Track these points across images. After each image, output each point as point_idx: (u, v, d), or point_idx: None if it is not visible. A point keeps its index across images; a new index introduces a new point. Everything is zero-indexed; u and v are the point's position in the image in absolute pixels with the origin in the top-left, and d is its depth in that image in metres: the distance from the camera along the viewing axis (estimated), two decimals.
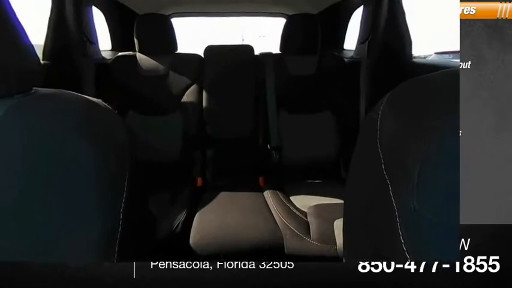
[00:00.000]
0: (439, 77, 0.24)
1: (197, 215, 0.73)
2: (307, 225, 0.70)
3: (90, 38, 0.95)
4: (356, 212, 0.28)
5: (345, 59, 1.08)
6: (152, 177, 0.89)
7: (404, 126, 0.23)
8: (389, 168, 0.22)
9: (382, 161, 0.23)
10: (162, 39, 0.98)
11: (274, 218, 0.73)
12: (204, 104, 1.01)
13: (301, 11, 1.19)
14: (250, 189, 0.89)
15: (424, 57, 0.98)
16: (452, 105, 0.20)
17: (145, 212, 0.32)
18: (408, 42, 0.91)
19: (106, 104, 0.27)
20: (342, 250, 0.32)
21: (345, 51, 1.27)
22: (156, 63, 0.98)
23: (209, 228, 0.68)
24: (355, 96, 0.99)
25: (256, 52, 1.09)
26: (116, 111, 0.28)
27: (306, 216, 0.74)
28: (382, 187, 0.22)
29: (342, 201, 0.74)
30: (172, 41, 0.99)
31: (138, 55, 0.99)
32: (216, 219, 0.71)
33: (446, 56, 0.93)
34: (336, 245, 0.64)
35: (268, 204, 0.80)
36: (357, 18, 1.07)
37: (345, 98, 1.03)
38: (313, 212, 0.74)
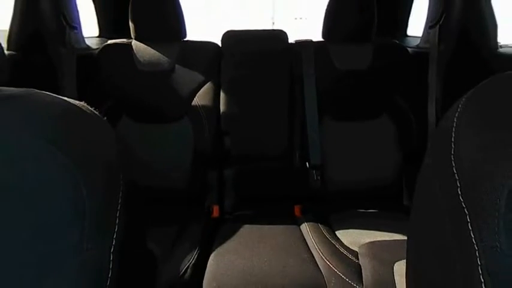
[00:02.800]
0: None
1: (212, 255, 0.77)
2: (358, 269, 0.74)
3: (71, 22, 1.00)
4: (423, 252, 0.29)
5: (409, 49, 1.13)
6: (153, 207, 0.92)
7: (489, 138, 0.23)
8: (468, 193, 0.23)
9: (459, 184, 0.23)
10: (166, 23, 1.04)
11: (315, 260, 0.77)
12: (222, 108, 1.06)
13: None
14: (283, 222, 0.94)
15: None
16: None
17: (143, 252, 0.33)
18: (492, 26, 0.98)
19: (91, 109, 0.28)
20: None
21: (408, 38, 1.33)
22: (158, 54, 1.05)
23: (229, 274, 0.71)
24: (423, 97, 1.05)
25: (291, 39, 1.15)
26: (105, 118, 0.29)
27: (357, 257, 0.78)
28: (457, 219, 0.23)
29: (404, 238, 0.79)
30: (179, 25, 1.05)
31: (135, 44, 1.05)
32: (237, 262, 0.75)
33: None
34: None
35: (307, 241, 0.85)
36: None
37: (408, 100, 1.09)
38: (366, 251, 0.78)
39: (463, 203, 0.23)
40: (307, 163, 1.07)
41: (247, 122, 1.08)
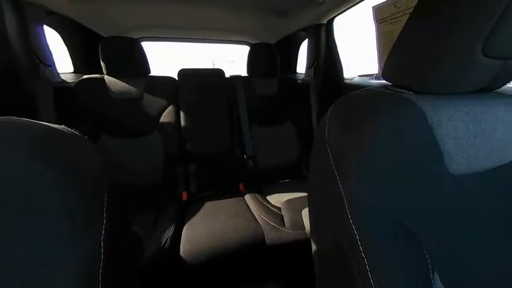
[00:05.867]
0: (363, 93, 0.30)
1: (185, 227, 0.76)
2: (281, 218, 0.80)
3: (43, 60, 0.88)
4: (316, 200, 0.32)
5: (298, 81, 1.26)
6: (137, 198, 0.89)
7: (343, 131, 0.27)
8: (336, 163, 0.26)
9: (331, 158, 0.27)
10: (133, 63, 0.99)
11: (255, 217, 0.81)
12: (183, 123, 1.06)
13: (262, 40, 1.35)
14: (232, 196, 0.98)
15: (351, 79, 1.17)
16: (374, 114, 0.25)
17: (129, 235, 0.31)
18: (341, 68, 1.17)
19: (72, 130, 0.25)
20: (310, 233, 0.37)
21: (297, 74, 1.49)
22: (128, 86, 0.99)
23: (198, 237, 0.71)
24: (308, 109, 1.22)
25: (227, 75, 1.19)
26: (86, 137, 0.26)
27: (280, 210, 0.84)
28: (332, 178, 0.26)
29: (306, 194, 0.90)
30: (143, 64, 1.01)
31: (107, 78, 0.98)
32: (204, 228, 0.74)
33: (366, 78, 1.16)
34: (304, 229, 0.75)
35: (249, 206, 0.89)
36: (304, 48, 1.28)
37: (301, 112, 1.21)
38: (285, 206, 0.86)
39: (334, 169, 0.26)
40: (244, 155, 1.13)
41: (201, 131, 1.08)
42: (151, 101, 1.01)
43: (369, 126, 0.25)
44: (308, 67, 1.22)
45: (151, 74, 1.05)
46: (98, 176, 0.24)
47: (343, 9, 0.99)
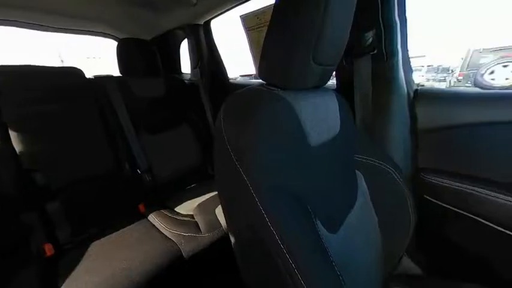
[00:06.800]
0: (246, 92, 0.33)
1: None
2: (196, 225, 0.78)
3: None
4: (226, 195, 0.34)
5: (186, 81, 1.22)
6: None
7: (237, 129, 0.29)
8: (237, 157, 0.28)
9: (232, 154, 0.29)
10: None
11: (166, 235, 0.74)
12: (19, 148, 0.74)
13: (133, 35, 1.16)
14: (131, 222, 0.83)
15: (235, 79, 1.27)
16: (256, 113, 0.30)
17: None
18: (224, 69, 1.25)
19: None
20: (227, 228, 0.38)
21: (183, 74, 1.44)
22: None
23: None
24: (202, 109, 1.22)
25: (89, 75, 0.95)
26: None
27: (194, 217, 0.81)
28: (236, 172, 0.28)
29: (216, 193, 0.87)
30: None
31: None
32: (94, 278, 0.59)
33: (247, 77, 1.34)
34: (221, 226, 0.76)
35: (156, 225, 0.80)
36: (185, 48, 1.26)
37: (194, 112, 1.19)
38: (197, 211, 0.83)
39: (236, 163, 0.28)
40: (138, 170, 0.97)
41: (59, 154, 0.81)
42: None
43: (255, 125, 0.29)
44: (193, 67, 1.21)
45: None
46: None
47: (218, 13, 1.05)
